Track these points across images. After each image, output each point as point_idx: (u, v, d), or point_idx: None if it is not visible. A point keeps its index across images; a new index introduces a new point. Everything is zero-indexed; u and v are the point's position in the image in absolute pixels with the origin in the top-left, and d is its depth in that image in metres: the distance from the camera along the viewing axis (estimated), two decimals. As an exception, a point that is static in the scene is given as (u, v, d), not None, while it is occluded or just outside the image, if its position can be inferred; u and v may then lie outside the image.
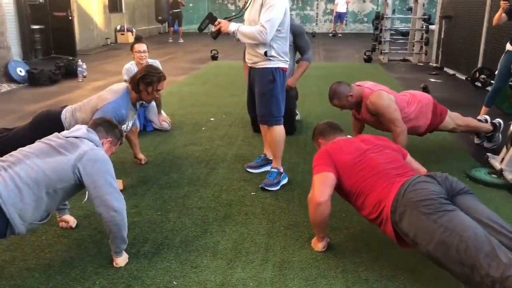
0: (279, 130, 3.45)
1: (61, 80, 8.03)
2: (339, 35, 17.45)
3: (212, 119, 5.47)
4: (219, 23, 3.26)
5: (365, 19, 19.46)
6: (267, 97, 3.34)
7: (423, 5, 10.76)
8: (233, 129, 5.04)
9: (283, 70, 3.34)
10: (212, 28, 3.30)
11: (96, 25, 13.75)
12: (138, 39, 4.91)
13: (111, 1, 14.88)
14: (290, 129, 4.78)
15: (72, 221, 2.89)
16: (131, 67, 4.78)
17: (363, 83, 3.93)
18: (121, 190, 3.36)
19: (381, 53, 10.79)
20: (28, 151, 2.32)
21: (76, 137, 2.41)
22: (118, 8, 15.55)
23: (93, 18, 13.60)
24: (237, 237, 2.79)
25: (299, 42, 4.65)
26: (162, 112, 5.07)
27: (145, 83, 3.36)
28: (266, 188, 3.44)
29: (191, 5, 19.18)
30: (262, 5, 3.14)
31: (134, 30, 15.32)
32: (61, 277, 2.38)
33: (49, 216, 2.38)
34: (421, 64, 10.44)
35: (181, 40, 15.12)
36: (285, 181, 3.57)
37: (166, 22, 16.53)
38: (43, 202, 2.24)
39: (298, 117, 5.36)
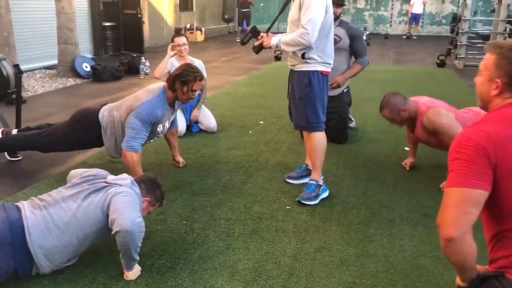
0: (319, 137, 3.18)
1: (124, 76, 8.18)
2: (414, 37, 16.56)
3: (262, 122, 5.25)
4: (262, 37, 3.16)
5: (444, 21, 18.33)
6: (303, 102, 3.11)
7: (508, 6, 9.84)
8: (281, 134, 4.79)
9: (322, 73, 3.06)
10: (255, 42, 3.23)
11: (166, 23, 14.01)
12: (177, 32, 4.81)
13: (183, 0, 15.11)
14: (342, 138, 4.47)
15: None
16: (168, 61, 4.66)
17: (418, 98, 3.57)
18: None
19: (456, 57, 10.03)
20: (67, 194, 2.32)
21: (120, 185, 2.36)
22: (189, 7, 15.76)
23: (164, 16, 13.87)
24: (261, 256, 2.54)
25: (356, 46, 4.30)
26: (203, 107, 4.89)
27: (181, 81, 3.25)
28: (303, 202, 3.16)
29: (261, 4, 19.07)
30: (300, 5, 2.90)
31: (203, 29, 15.47)
32: (68, 286, 2.26)
33: (77, 257, 2.35)
34: (501, 70, 9.55)
35: (249, 40, 15.02)
36: (325, 194, 3.27)
37: (237, 22, 16.54)
38: (72, 247, 2.24)
39: (352, 124, 5.01)
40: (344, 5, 4.50)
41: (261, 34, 3.17)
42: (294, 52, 3.05)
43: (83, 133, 3.42)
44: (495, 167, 1.44)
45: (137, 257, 2.30)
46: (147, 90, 3.33)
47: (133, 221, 2.18)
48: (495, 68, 1.55)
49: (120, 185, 2.34)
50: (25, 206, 2.24)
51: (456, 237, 1.45)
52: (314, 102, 3.09)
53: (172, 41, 4.71)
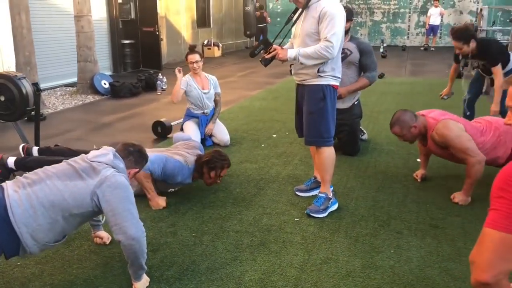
0: (329, 151, 3.20)
1: (141, 92, 8.35)
2: (432, 48, 16.47)
3: (275, 135, 5.30)
4: (275, 49, 3.02)
5: (462, 31, 18.20)
6: (315, 116, 3.11)
7: (525, 16, 9.75)
8: (293, 147, 4.82)
9: (334, 87, 3.10)
10: (265, 55, 3.05)
11: (184, 40, 14.25)
12: (191, 50, 4.89)
13: (200, 17, 15.37)
14: (353, 150, 4.49)
15: (106, 237, 2.86)
16: (183, 80, 4.80)
17: (427, 112, 3.61)
18: (163, 208, 3.35)
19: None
20: (52, 171, 2.28)
21: (100, 162, 2.32)
22: (206, 23, 16.02)
23: (182, 33, 14.12)
24: (267, 268, 2.57)
25: (365, 61, 4.34)
26: (218, 121, 4.98)
27: (209, 168, 3.44)
28: (312, 214, 3.18)
29: (278, 19, 19.25)
30: (319, 18, 2.91)
31: (220, 44, 15.67)
32: (79, 296, 2.33)
33: (65, 238, 2.33)
34: (520, 80, 9.42)
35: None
36: (334, 207, 3.28)
37: (254, 37, 16.74)
38: (58, 225, 2.19)
39: (365, 137, 5.02)
40: (352, 20, 4.54)
41: (274, 46, 3.05)
42: (307, 67, 3.04)
43: None
44: None
45: (145, 266, 2.35)
46: (185, 157, 3.49)
47: (136, 227, 2.22)
48: None
49: (108, 165, 2.29)
50: (8, 185, 2.19)
51: (491, 284, 1.37)
52: (326, 117, 3.10)
53: (186, 58, 4.82)
